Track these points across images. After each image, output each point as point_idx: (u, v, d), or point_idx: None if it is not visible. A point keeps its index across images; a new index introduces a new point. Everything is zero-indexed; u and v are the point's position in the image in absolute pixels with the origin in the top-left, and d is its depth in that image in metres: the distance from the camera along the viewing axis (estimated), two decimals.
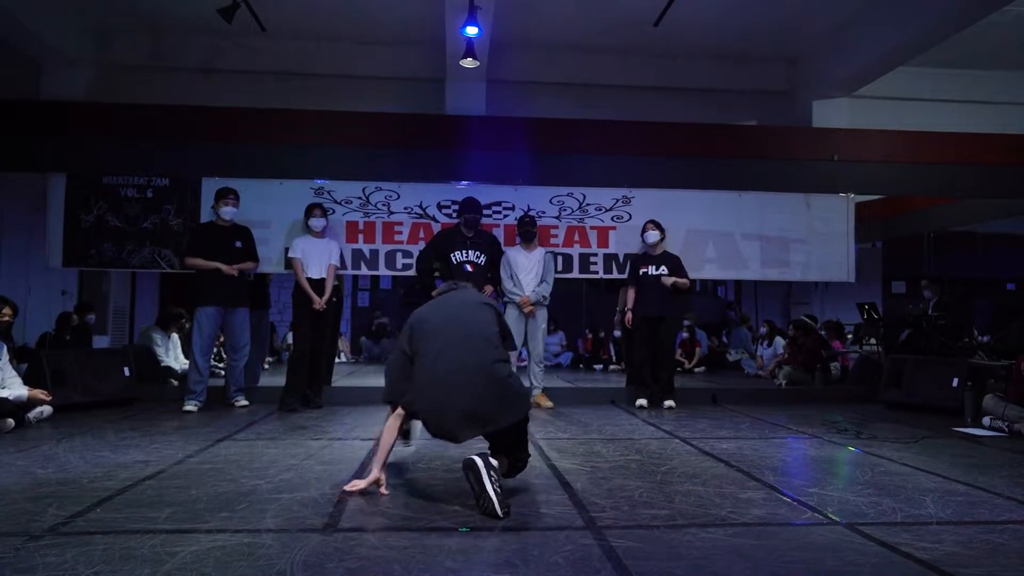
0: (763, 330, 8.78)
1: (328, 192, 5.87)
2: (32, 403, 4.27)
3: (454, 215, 5.80)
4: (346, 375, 8.00)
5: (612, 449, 3.69)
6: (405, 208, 5.94)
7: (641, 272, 5.58)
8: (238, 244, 5.25)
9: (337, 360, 7.43)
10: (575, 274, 6.09)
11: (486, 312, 2.75)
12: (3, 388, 4.20)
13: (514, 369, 2.81)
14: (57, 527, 2.18)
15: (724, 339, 10.69)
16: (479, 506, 2.34)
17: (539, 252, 5.58)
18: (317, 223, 5.33)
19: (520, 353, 5.72)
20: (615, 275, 6.07)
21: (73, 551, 1.95)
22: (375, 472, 2.63)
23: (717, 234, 6.16)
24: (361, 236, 5.89)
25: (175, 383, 6.28)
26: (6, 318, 4.54)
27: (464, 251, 5.38)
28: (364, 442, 3.81)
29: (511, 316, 5.35)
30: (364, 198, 5.92)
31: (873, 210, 8.20)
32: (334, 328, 6.18)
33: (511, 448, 2.59)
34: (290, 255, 5.32)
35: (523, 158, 6.03)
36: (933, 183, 6.55)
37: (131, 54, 7.86)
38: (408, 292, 10.02)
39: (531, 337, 5.47)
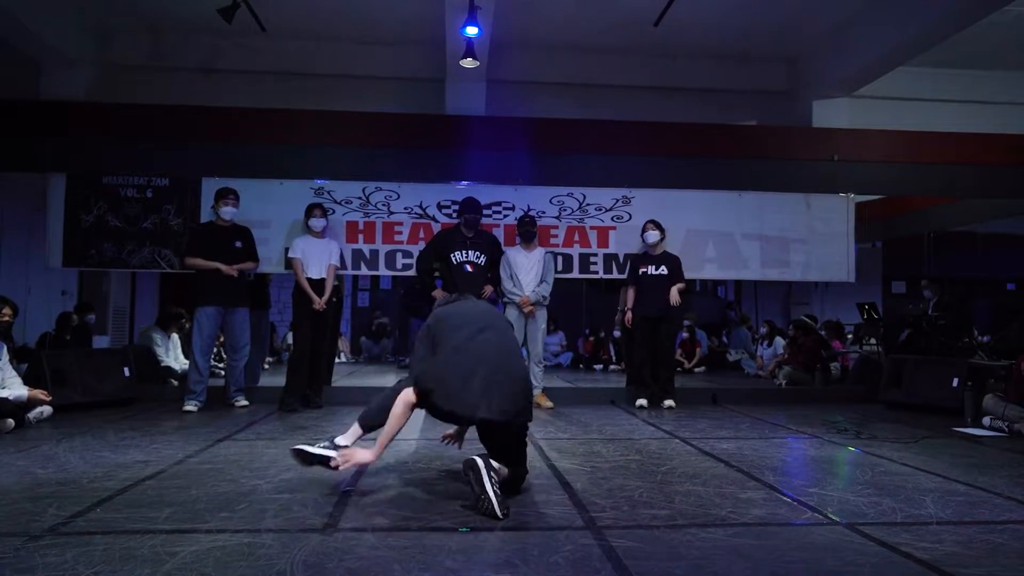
0: (763, 330, 8.78)
1: (328, 192, 5.87)
2: (32, 403, 4.27)
3: (454, 215, 5.80)
4: (346, 375, 8.00)
5: (612, 449, 3.69)
6: (405, 208, 5.94)
7: (641, 272, 5.58)
8: (238, 244, 5.25)
9: (337, 360, 7.44)
10: (575, 274, 6.09)
11: (506, 320, 2.96)
12: (3, 388, 4.20)
13: None
14: (57, 527, 2.18)
15: (724, 339, 10.68)
16: (478, 507, 2.33)
17: (539, 252, 5.57)
18: (317, 223, 5.33)
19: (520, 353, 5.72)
20: (615, 275, 6.07)
21: (73, 551, 1.95)
22: (372, 454, 2.56)
23: (717, 234, 6.16)
24: (361, 236, 5.89)
25: (175, 383, 6.28)
26: (6, 318, 4.54)
27: (464, 251, 5.38)
28: (364, 442, 3.80)
29: (511, 316, 5.35)
30: (364, 198, 5.92)
31: (873, 210, 8.21)
32: (334, 328, 6.18)
33: (510, 460, 2.57)
34: (290, 255, 5.32)
35: (523, 158, 6.03)
36: (933, 183, 6.55)
37: (131, 54, 7.86)
38: (408, 292, 10.03)
39: (531, 337, 5.46)
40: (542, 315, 5.50)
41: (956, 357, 5.65)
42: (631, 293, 5.67)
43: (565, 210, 6.08)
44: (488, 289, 5.39)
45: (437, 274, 5.58)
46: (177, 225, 5.76)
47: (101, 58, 7.75)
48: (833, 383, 7.05)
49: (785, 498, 2.65)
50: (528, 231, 5.52)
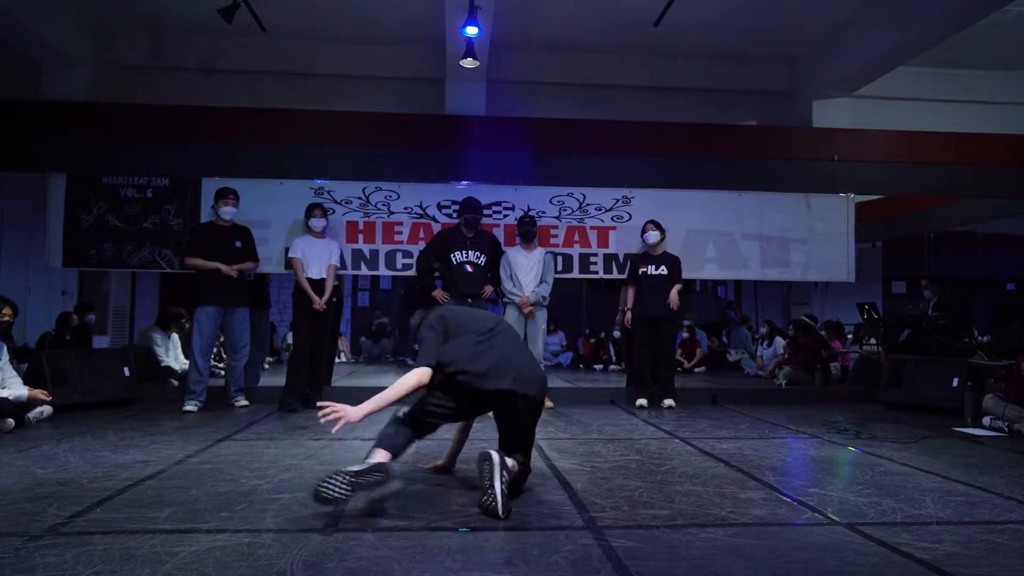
0: (763, 330, 8.78)
1: (328, 192, 5.87)
2: (32, 403, 4.27)
3: (454, 215, 5.80)
4: (346, 375, 8.00)
5: (612, 449, 3.69)
6: (405, 208, 5.94)
7: (641, 272, 5.58)
8: (238, 244, 5.25)
9: (337, 360, 7.44)
10: (575, 274, 6.09)
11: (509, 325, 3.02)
12: (3, 388, 4.20)
13: None
14: (57, 527, 2.18)
15: (724, 339, 10.69)
16: (482, 503, 2.33)
17: (539, 252, 5.57)
18: (317, 223, 5.33)
19: None
20: (615, 275, 6.07)
21: (73, 551, 1.95)
22: (359, 414, 2.39)
23: (717, 234, 6.16)
24: (361, 236, 5.89)
25: (175, 383, 6.28)
26: (6, 318, 4.54)
27: (464, 251, 5.38)
28: (364, 442, 3.80)
29: (511, 316, 5.35)
30: (364, 198, 5.92)
31: (873, 210, 8.20)
32: (334, 328, 6.18)
33: (524, 445, 2.63)
34: (290, 255, 5.32)
35: (523, 158, 6.03)
36: (933, 183, 6.55)
37: (131, 54, 7.86)
38: (408, 292, 10.03)
39: (531, 337, 5.46)
40: (542, 315, 5.50)
41: (956, 357, 5.65)
42: (631, 293, 5.67)
43: (565, 210, 6.08)
44: (488, 289, 5.39)
45: (437, 274, 5.58)
46: (177, 225, 5.77)
47: (101, 58, 7.76)
48: (833, 383, 7.06)
49: (785, 498, 2.65)
50: (528, 231, 5.52)
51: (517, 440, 2.61)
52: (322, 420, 2.37)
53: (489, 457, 2.37)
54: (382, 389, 2.50)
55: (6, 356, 4.36)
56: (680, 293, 5.56)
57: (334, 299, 5.50)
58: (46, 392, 4.44)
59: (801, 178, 6.28)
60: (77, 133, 5.83)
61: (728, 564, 1.91)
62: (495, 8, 6.55)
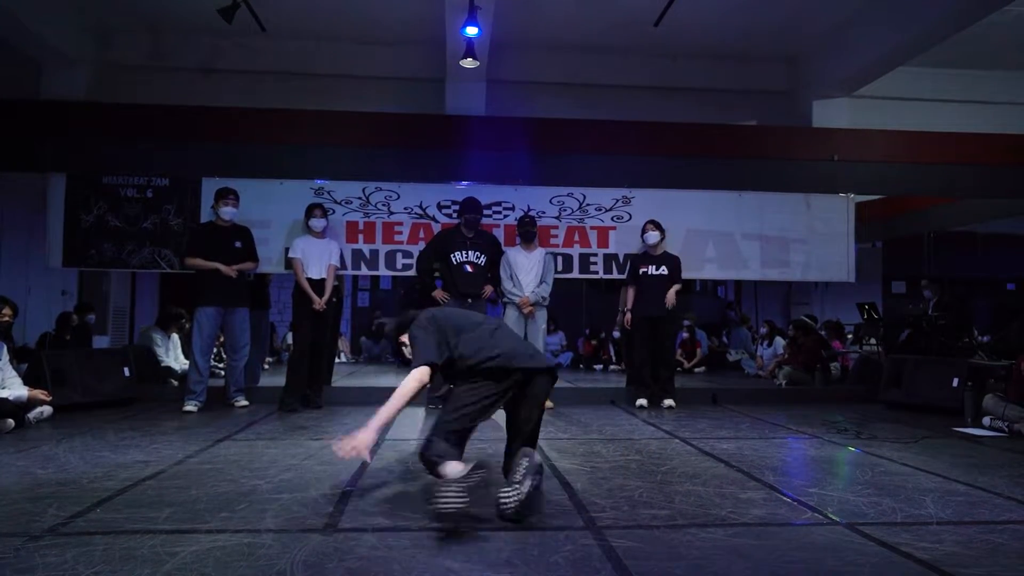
0: (763, 330, 8.78)
1: (328, 192, 5.87)
2: (32, 403, 4.27)
3: (454, 215, 5.80)
4: (346, 375, 8.00)
5: (612, 449, 3.69)
6: (405, 208, 5.94)
7: (641, 272, 5.58)
8: (238, 244, 5.25)
9: (337, 360, 7.44)
10: (575, 274, 6.09)
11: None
12: (3, 388, 4.20)
13: None
14: (57, 527, 2.18)
15: (724, 339, 10.68)
16: (502, 498, 2.24)
17: (539, 252, 5.57)
18: (317, 223, 5.33)
19: None
20: (615, 275, 6.07)
21: (73, 551, 1.95)
22: (371, 435, 2.40)
23: (717, 234, 6.16)
24: (361, 236, 5.89)
25: (175, 383, 6.28)
26: (6, 318, 4.54)
27: (464, 251, 5.38)
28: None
29: (511, 316, 5.35)
30: (364, 198, 5.92)
31: (873, 210, 8.20)
32: (334, 328, 6.18)
33: (533, 435, 2.65)
34: (290, 255, 5.32)
35: (523, 158, 6.03)
36: (933, 183, 6.55)
37: (131, 54, 7.86)
38: (408, 292, 10.03)
39: (531, 337, 5.44)
40: (542, 315, 5.50)
41: (956, 357, 5.64)
42: (631, 293, 5.67)
43: (565, 210, 6.08)
44: (488, 289, 5.39)
45: (437, 274, 5.58)
46: (177, 225, 5.76)
47: (101, 58, 7.76)
48: (833, 383, 7.05)
49: (785, 498, 2.65)
50: (528, 231, 5.52)
51: (528, 428, 2.62)
52: (342, 456, 2.37)
53: (531, 456, 2.33)
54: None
55: (6, 356, 4.36)
56: (679, 293, 5.56)
57: (334, 299, 5.50)
58: (46, 392, 4.44)
59: (801, 178, 6.28)
60: (77, 133, 5.83)
61: (728, 564, 1.91)
62: (495, 8, 6.55)
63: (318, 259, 5.29)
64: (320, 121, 6.05)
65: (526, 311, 5.37)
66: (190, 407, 4.96)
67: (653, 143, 6.29)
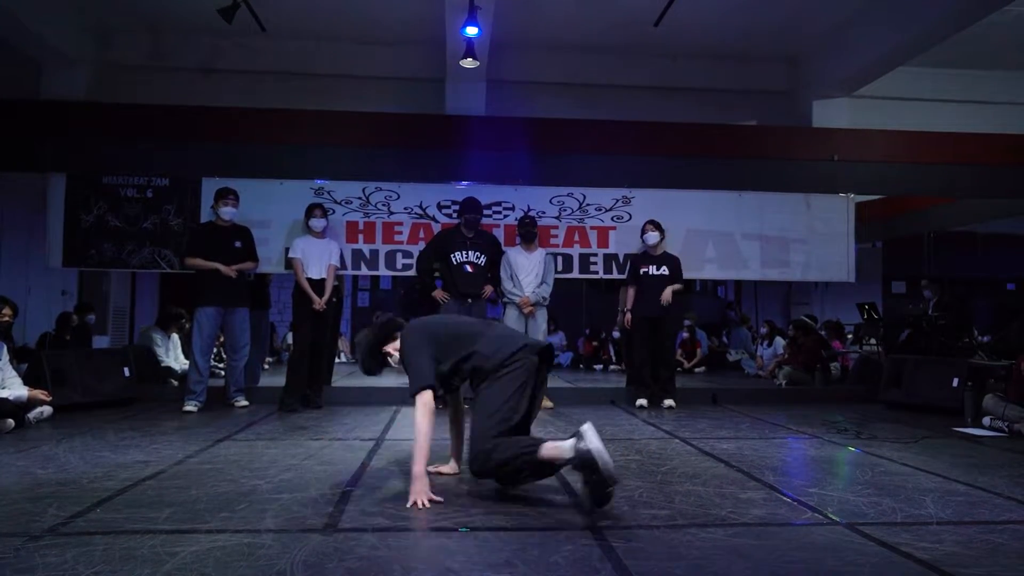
0: (763, 330, 8.78)
1: (328, 192, 5.87)
2: (32, 403, 4.27)
3: (454, 215, 5.80)
4: (346, 375, 7.98)
5: (612, 449, 3.64)
6: (405, 208, 5.94)
7: (642, 272, 5.58)
8: (238, 244, 5.25)
9: (337, 360, 7.43)
10: (575, 274, 6.09)
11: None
12: (3, 388, 4.20)
13: None
14: (57, 527, 2.18)
15: (724, 339, 10.68)
16: (592, 480, 2.32)
17: (539, 253, 5.57)
18: (317, 223, 5.33)
19: None
20: (615, 275, 6.07)
21: (73, 551, 1.95)
22: (423, 479, 2.51)
23: (717, 234, 6.16)
24: (361, 236, 5.89)
25: (175, 383, 6.28)
26: (6, 318, 4.54)
27: (464, 251, 5.38)
28: (364, 442, 3.81)
29: (511, 317, 5.35)
30: (364, 198, 5.92)
31: (873, 210, 8.20)
32: (334, 328, 6.18)
33: (531, 418, 2.74)
34: (290, 255, 5.32)
35: (523, 158, 6.03)
36: (933, 183, 6.55)
37: (131, 54, 7.86)
38: (408, 292, 10.02)
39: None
40: (542, 315, 5.50)
41: (956, 357, 5.64)
42: (631, 293, 5.66)
43: (565, 210, 6.08)
44: (488, 289, 5.39)
45: (437, 274, 5.58)
46: (177, 225, 5.77)
47: (101, 58, 7.76)
48: (833, 383, 7.06)
49: (785, 498, 2.65)
50: (528, 231, 5.52)
51: (536, 409, 2.74)
52: (420, 506, 2.43)
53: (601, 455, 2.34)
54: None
55: (6, 356, 4.36)
56: (679, 293, 5.56)
57: (334, 299, 5.51)
58: (46, 392, 4.44)
59: (801, 178, 6.29)
60: (77, 133, 5.83)
61: (728, 564, 1.91)
62: (495, 8, 6.55)
63: (318, 259, 5.29)
64: (320, 121, 6.05)
65: (526, 311, 5.37)
66: (190, 407, 4.96)
67: (653, 143, 6.29)
